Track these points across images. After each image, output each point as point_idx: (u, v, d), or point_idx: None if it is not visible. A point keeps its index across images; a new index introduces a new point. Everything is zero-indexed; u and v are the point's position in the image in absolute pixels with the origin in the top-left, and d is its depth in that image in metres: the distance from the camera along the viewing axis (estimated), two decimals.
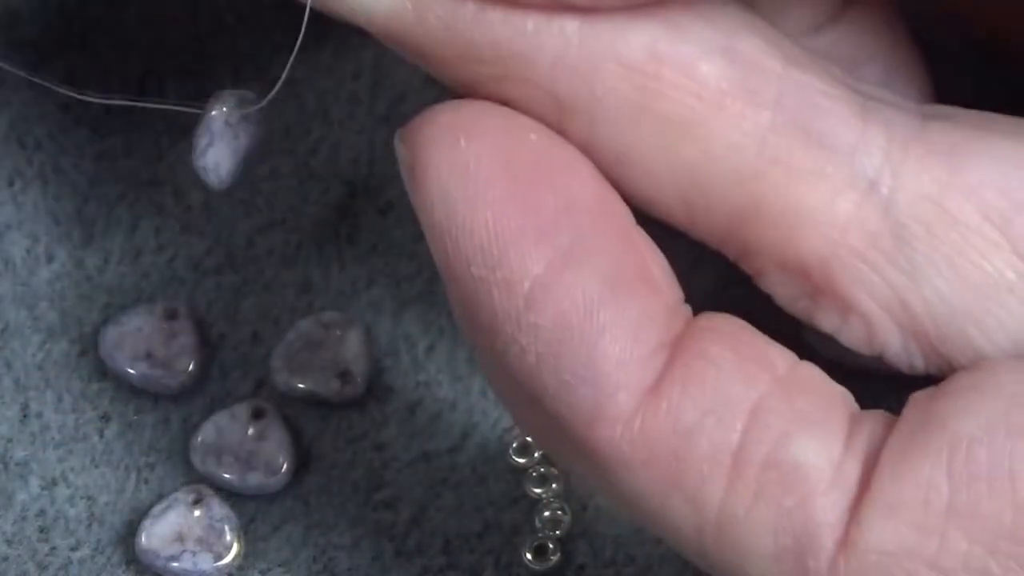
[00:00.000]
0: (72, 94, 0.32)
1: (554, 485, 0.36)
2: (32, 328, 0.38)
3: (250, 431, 0.36)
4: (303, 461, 0.37)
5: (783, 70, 0.27)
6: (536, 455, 0.36)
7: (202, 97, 0.39)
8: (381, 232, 0.38)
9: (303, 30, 0.28)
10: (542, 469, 0.36)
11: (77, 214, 0.39)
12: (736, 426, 0.26)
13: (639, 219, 0.28)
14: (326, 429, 0.37)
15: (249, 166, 0.36)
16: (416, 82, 0.39)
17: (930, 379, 0.28)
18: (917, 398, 0.27)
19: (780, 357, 0.27)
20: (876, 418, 0.27)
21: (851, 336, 0.28)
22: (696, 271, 0.36)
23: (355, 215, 0.38)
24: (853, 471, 0.26)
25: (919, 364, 0.28)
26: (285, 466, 0.36)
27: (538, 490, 0.36)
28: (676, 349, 0.27)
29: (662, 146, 0.27)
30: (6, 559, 0.36)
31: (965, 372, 0.27)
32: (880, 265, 0.27)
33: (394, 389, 0.37)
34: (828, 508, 0.26)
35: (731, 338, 0.27)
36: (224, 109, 0.34)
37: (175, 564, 0.35)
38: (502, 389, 0.28)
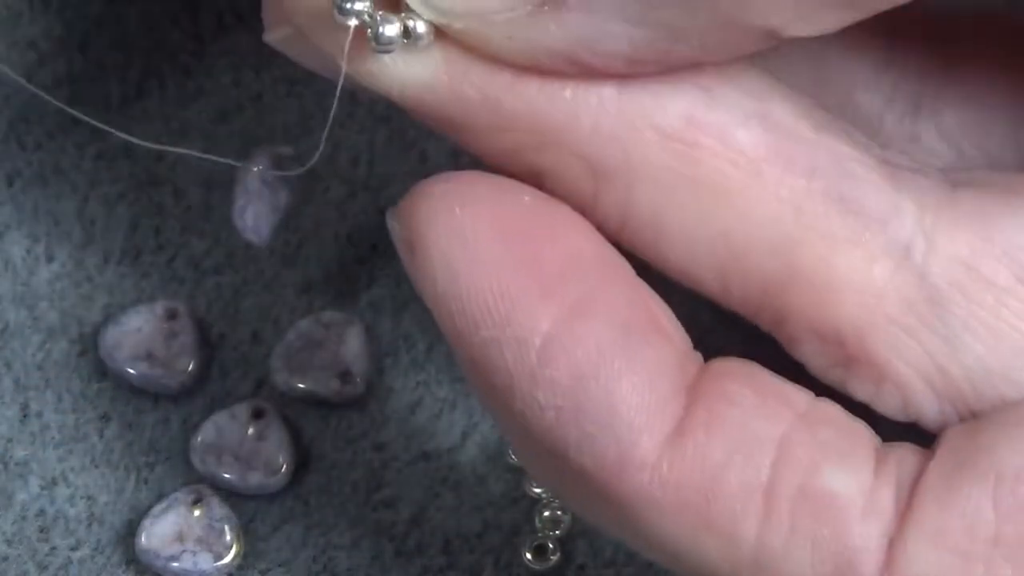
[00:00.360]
0: (106, 128, 0.32)
1: None
2: (32, 328, 0.38)
3: (250, 431, 0.36)
4: (303, 461, 0.37)
5: (816, 136, 0.27)
6: None
7: (202, 98, 0.39)
8: (381, 232, 0.38)
9: (336, 102, 0.28)
10: None
11: (77, 214, 0.39)
12: (765, 461, 0.26)
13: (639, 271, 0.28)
14: (326, 429, 0.37)
15: (289, 218, 0.37)
16: None
17: None
18: (956, 430, 0.27)
19: (799, 394, 0.27)
20: (903, 448, 0.27)
21: (886, 404, 0.28)
22: None
23: (355, 216, 0.38)
24: (887, 498, 0.26)
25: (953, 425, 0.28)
26: (285, 466, 0.36)
27: (538, 490, 0.36)
28: (695, 393, 0.27)
29: (698, 213, 0.27)
30: (6, 559, 0.36)
31: (1011, 407, 0.27)
32: (916, 331, 0.27)
33: (394, 389, 0.37)
34: (865, 535, 0.26)
35: (749, 378, 0.27)
36: (258, 168, 0.34)
37: (175, 564, 0.35)
38: (524, 450, 0.28)
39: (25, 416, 0.37)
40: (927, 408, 0.28)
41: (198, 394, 0.37)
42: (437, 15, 0.26)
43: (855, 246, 0.27)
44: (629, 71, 0.26)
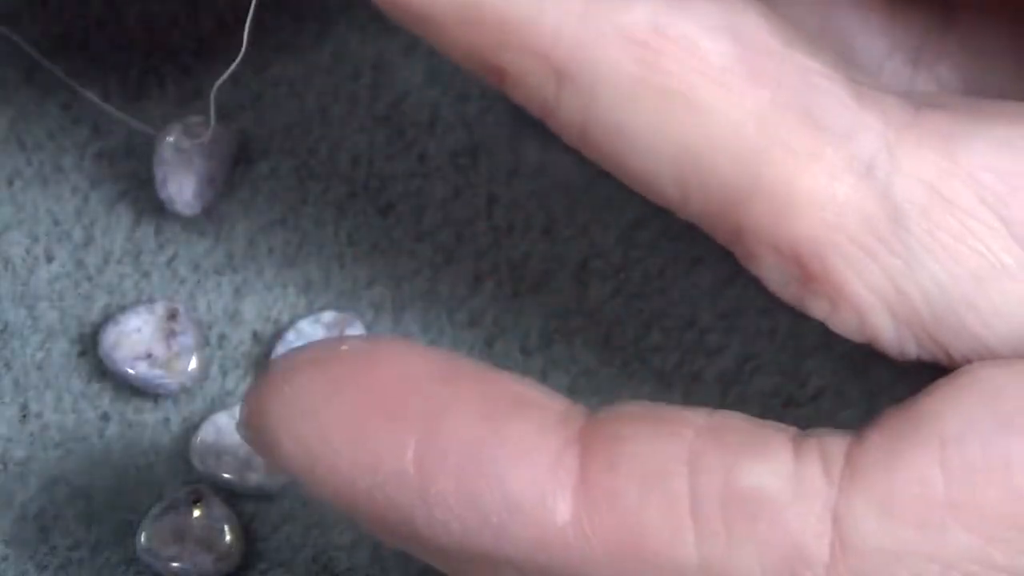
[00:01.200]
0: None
1: None
2: (32, 328, 0.38)
3: None
4: None
5: (784, 50, 0.27)
6: None
7: (202, 98, 0.39)
8: (381, 232, 0.38)
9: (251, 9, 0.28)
10: None
11: (77, 214, 0.38)
12: (679, 481, 0.26)
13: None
14: None
15: (219, 186, 0.37)
16: (416, 82, 0.39)
17: (922, 366, 0.28)
18: (893, 407, 0.27)
19: (695, 413, 0.27)
20: (821, 430, 0.27)
21: (842, 323, 0.28)
22: (696, 271, 0.36)
23: (355, 215, 0.38)
24: (815, 476, 0.26)
25: (911, 350, 0.28)
26: None
27: None
28: (586, 442, 0.27)
29: (660, 121, 0.27)
30: (6, 559, 0.36)
31: (944, 381, 0.27)
32: (875, 250, 0.27)
33: None
34: (802, 518, 0.26)
35: (638, 414, 0.27)
36: (171, 139, 0.34)
37: (175, 564, 0.35)
38: (452, 568, 0.28)
39: (25, 416, 0.37)
40: (884, 329, 0.28)
41: (198, 394, 0.37)
42: None
43: (817, 160, 0.27)
44: None
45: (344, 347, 0.28)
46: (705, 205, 0.28)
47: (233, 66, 0.28)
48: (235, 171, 0.38)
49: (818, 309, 0.28)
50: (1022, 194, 0.27)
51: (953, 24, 0.31)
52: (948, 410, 0.26)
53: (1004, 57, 0.31)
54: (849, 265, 0.27)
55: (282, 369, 0.28)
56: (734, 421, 0.27)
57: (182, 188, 0.35)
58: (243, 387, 0.37)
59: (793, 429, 0.27)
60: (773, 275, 0.28)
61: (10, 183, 0.39)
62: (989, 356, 0.27)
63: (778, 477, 0.26)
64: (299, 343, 0.37)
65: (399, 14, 0.27)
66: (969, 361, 0.27)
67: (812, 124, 0.27)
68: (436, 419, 0.27)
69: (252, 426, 0.28)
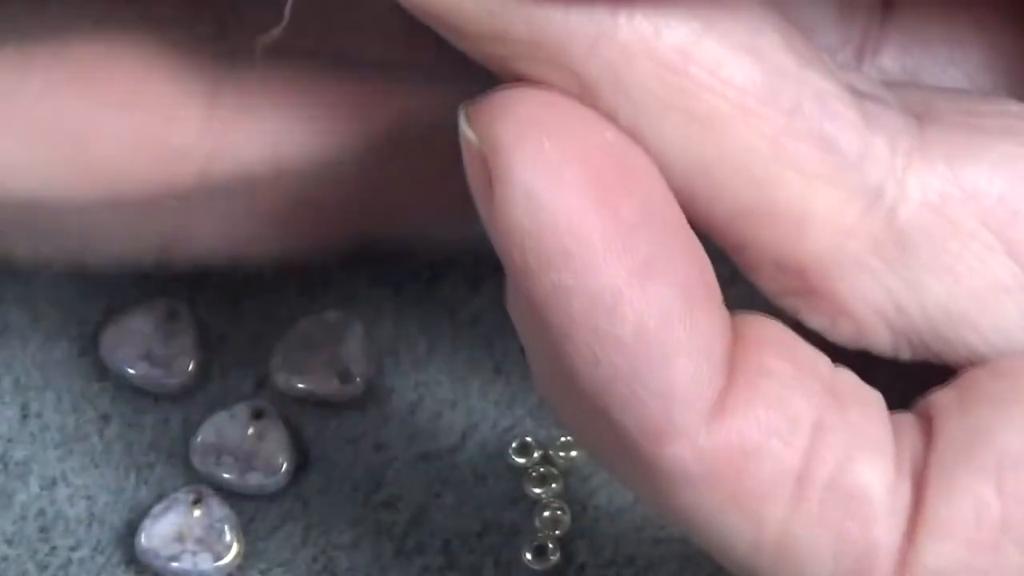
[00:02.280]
0: None
1: (554, 485, 0.36)
2: (32, 328, 0.38)
3: (250, 431, 0.36)
4: (303, 461, 0.37)
5: (800, 71, 0.27)
6: (536, 455, 0.36)
7: None
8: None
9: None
10: (542, 469, 0.36)
11: None
12: (799, 446, 0.26)
13: None
14: (326, 429, 0.37)
15: None
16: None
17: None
18: (945, 405, 0.28)
19: (823, 362, 0.28)
20: (910, 428, 0.27)
21: (839, 334, 0.28)
22: None
23: None
24: (906, 494, 0.27)
25: (905, 356, 0.29)
26: (285, 466, 0.36)
27: (538, 490, 0.36)
28: (735, 364, 0.27)
29: (679, 137, 0.27)
30: (6, 559, 0.36)
31: (991, 374, 0.28)
32: (879, 272, 0.28)
33: (394, 389, 0.37)
34: (888, 532, 0.26)
35: (783, 348, 0.27)
36: None
37: (175, 564, 0.35)
38: (560, 398, 0.28)
39: (25, 416, 0.37)
40: (881, 341, 0.28)
41: (198, 394, 0.37)
42: None
43: (830, 185, 0.27)
44: None
45: (609, 135, 0.27)
46: (711, 218, 0.28)
47: (276, 30, 0.29)
48: None
49: (816, 321, 0.28)
50: (1022, 217, 0.27)
51: (891, 15, 0.32)
52: (1001, 426, 0.27)
53: (940, 45, 0.32)
54: (852, 285, 0.28)
55: (548, 116, 0.27)
56: (852, 388, 0.28)
57: None
58: (243, 387, 0.37)
59: (886, 411, 0.28)
60: (772, 286, 0.28)
61: None
62: (984, 361, 0.28)
63: (881, 485, 0.26)
64: (299, 343, 0.37)
65: (427, 19, 0.27)
66: (963, 366, 0.28)
67: (825, 149, 0.27)
68: (652, 268, 0.26)
69: (486, 137, 0.26)
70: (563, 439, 0.37)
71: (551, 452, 0.36)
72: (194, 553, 0.35)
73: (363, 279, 0.38)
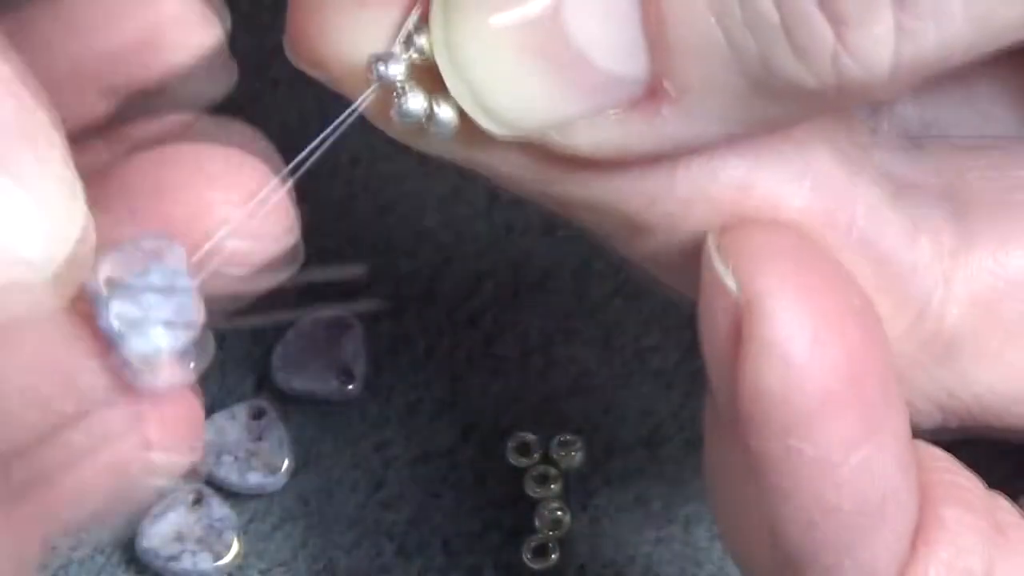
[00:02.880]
0: None
1: (553, 485, 0.36)
2: None
3: (250, 431, 0.36)
4: (303, 461, 0.37)
5: (851, 184, 0.27)
6: (536, 455, 0.36)
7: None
8: (381, 232, 0.38)
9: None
10: (542, 469, 0.36)
11: None
12: None
13: None
14: (326, 429, 0.37)
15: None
16: None
17: None
18: None
19: (984, 495, 0.28)
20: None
21: None
22: None
23: (355, 216, 0.38)
24: None
25: (952, 426, 0.29)
26: (285, 466, 0.36)
27: (538, 490, 0.36)
28: (921, 522, 0.27)
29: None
30: None
31: None
32: (929, 366, 0.28)
33: (394, 389, 0.37)
34: None
35: (953, 490, 0.27)
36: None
37: (175, 564, 0.35)
38: (747, 548, 0.28)
39: None
40: (929, 421, 0.29)
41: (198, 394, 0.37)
42: (508, 130, 0.25)
43: (885, 295, 0.27)
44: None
45: (857, 302, 0.26)
46: None
47: None
48: None
49: None
50: None
51: None
52: None
53: (952, 85, 0.32)
54: (903, 377, 0.28)
55: (813, 270, 0.26)
56: (1006, 514, 0.27)
57: None
58: (243, 387, 0.37)
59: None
60: None
61: None
62: None
63: None
64: (299, 343, 0.37)
65: (485, 173, 0.27)
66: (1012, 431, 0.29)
67: (880, 262, 0.27)
68: (882, 442, 0.26)
69: (746, 279, 0.25)
70: (563, 439, 0.37)
71: (551, 452, 0.36)
72: (194, 553, 0.35)
73: (363, 279, 0.38)
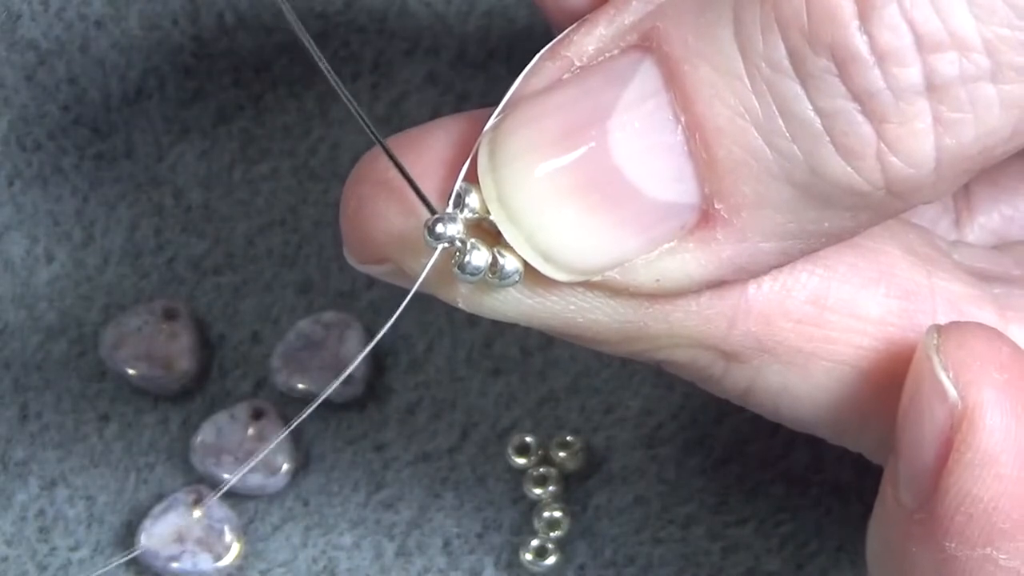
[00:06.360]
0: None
1: (553, 486, 0.36)
2: (32, 328, 0.38)
3: (250, 431, 0.36)
4: (303, 461, 0.37)
5: (929, 282, 0.28)
6: (535, 455, 0.36)
7: (202, 98, 0.39)
8: None
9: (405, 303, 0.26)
10: (542, 470, 0.36)
11: (77, 214, 0.39)
12: None
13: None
14: (326, 429, 0.37)
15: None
16: (416, 82, 0.39)
17: None
18: None
19: None
20: None
21: None
22: None
23: None
24: None
25: None
26: (285, 466, 0.36)
27: (537, 491, 0.36)
28: None
29: (828, 383, 0.27)
30: (6, 559, 0.36)
31: None
32: None
33: (394, 389, 0.37)
34: None
35: None
36: None
37: (175, 564, 0.35)
38: None
39: (25, 416, 0.37)
40: None
41: (198, 394, 0.37)
42: (572, 276, 0.25)
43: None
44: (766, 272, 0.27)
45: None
46: (860, 437, 0.28)
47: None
48: (235, 171, 0.38)
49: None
50: None
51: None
52: None
53: (1019, 182, 0.32)
54: None
55: (1015, 369, 0.26)
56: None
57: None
58: (243, 387, 0.37)
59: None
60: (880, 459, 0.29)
61: (10, 183, 0.39)
62: None
63: None
64: (299, 343, 0.37)
65: (567, 337, 0.27)
66: None
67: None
68: None
69: (965, 383, 0.26)
70: (563, 439, 0.37)
71: (551, 452, 0.36)
72: (194, 553, 0.35)
73: (363, 279, 0.38)
